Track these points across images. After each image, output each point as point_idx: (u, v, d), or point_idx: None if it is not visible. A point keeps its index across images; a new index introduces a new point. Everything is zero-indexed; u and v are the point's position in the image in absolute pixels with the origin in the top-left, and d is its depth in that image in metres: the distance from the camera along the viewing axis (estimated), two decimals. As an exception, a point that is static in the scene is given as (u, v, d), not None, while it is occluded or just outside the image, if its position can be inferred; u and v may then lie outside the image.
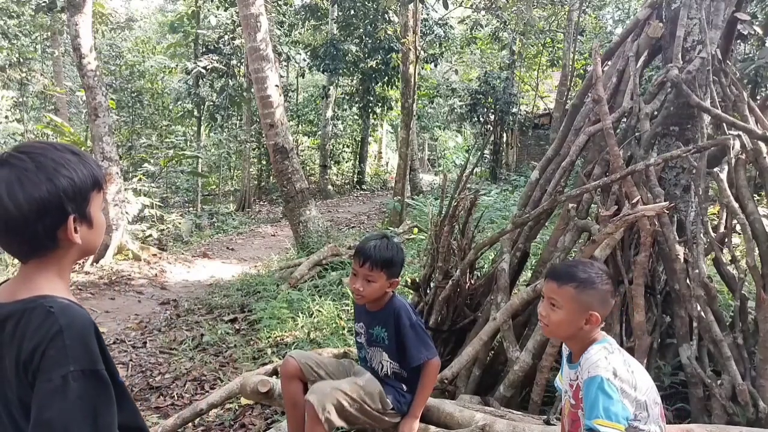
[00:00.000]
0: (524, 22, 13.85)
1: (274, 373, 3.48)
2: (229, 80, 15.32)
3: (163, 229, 11.71)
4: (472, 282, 3.71)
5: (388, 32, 16.04)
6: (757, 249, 2.88)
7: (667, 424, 2.66)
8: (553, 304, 1.80)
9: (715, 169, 3.23)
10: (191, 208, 15.59)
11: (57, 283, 1.19)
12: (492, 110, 17.53)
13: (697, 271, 2.86)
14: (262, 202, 17.89)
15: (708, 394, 2.69)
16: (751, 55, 7.88)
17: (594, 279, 1.76)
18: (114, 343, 5.27)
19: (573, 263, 1.91)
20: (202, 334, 5.29)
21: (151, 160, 12.97)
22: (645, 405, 1.67)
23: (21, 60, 13.73)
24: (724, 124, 3.13)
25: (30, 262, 1.19)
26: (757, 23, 6.55)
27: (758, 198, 6.21)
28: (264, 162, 17.99)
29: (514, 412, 2.69)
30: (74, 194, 1.16)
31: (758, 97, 6.64)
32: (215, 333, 5.25)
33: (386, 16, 16.39)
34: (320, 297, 5.72)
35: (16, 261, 7.49)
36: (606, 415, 1.59)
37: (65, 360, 1.06)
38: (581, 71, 15.94)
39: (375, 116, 20.07)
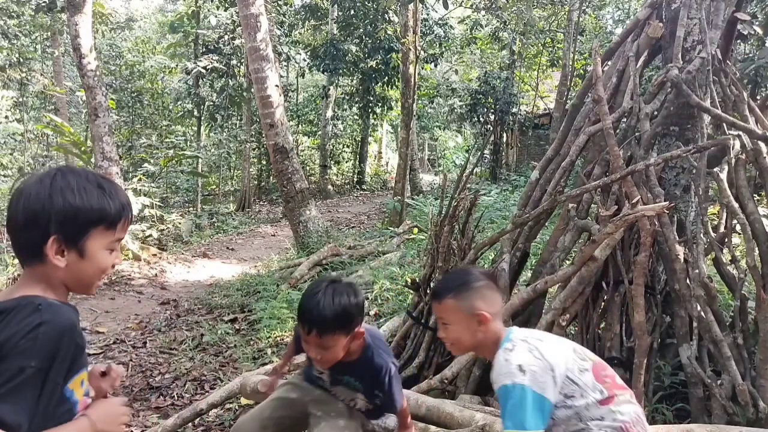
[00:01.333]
0: (524, 22, 13.85)
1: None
2: (229, 80, 15.32)
3: (163, 229, 11.70)
4: (472, 282, 3.71)
5: (388, 32, 16.04)
6: (757, 249, 2.88)
7: (667, 424, 2.67)
8: (444, 322, 1.78)
9: (715, 169, 3.23)
10: (191, 208, 15.58)
11: (47, 293, 1.23)
12: (492, 110, 17.52)
13: (697, 271, 2.86)
14: (262, 202, 17.89)
15: (708, 394, 2.69)
16: (751, 55, 7.88)
17: (467, 280, 1.76)
18: (114, 343, 5.27)
19: (446, 276, 1.92)
20: (202, 334, 5.29)
21: (151, 160, 12.97)
22: (570, 379, 1.61)
23: (21, 60, 13.75)
24: (724, 124, 3.13)
25: (25, 269, 1.25)
26: (757, 23, 6.55)
27: (758, 198, 6.21)
28: (264, 162, 17.98)
29: (514, 412, 2.68)
30: (65, 218, 1.19)
31: (758, 97, 6.64)
32: (215, 333, 5.25)
33: (386, 16, 16.39)
34: (320, 297, 5.71)
35: (16, 261, 7.50)
36: (519, 425, 1.53)
37: (31, 353, 1.10)
38: (581, 71, 15.93)
39: (375, 116, 20.07)
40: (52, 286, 1.24)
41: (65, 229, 1.19)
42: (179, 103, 16.48)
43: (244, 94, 15.64)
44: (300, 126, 21.08)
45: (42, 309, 1.15)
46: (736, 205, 3.03)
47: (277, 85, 8.10)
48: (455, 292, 1.74)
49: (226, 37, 14.96)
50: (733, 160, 3.18)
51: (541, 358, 1.59)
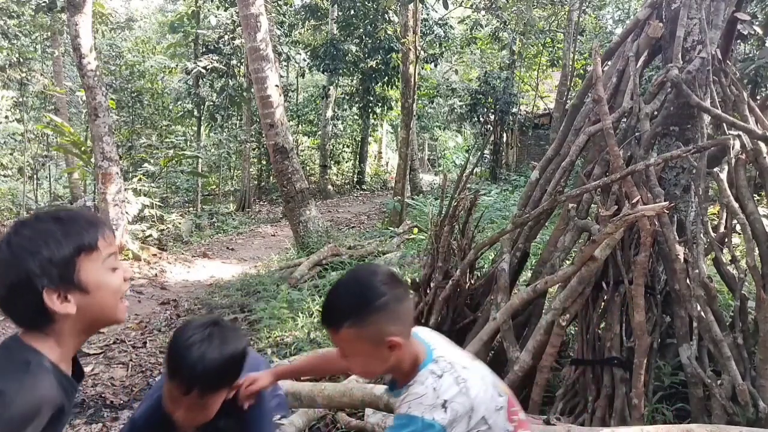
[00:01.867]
0: (524, 22, 13.85)
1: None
2: (229, 80, 15.32)
3: (163, 229, 11.71)
4: (472, 282, 3.71)
5: (388, 32, 16.04)
6: (757, 249, 2.89)
7: (667, 424, 2.67)
8: (345, 354, 1.42)
9: (715, 169, 3.23)
10: (191, 208, 15.58)
11: (52, 351, 1.16)
12: (492, 110, 17.51)
13: (697, 271, 2.86)
14: (262, 202, 17.89)
15: (708, 394, 2.69)
16: (751, 55, 7.88)
17: (366, 299, 1.34)
18: (114, 343, 5.27)
19: (338, 292, 1.42)
20: (202, 334, 5.29)
21: (151, 160, 12.97)
22: (484, 419, 1.40)
23: (21, 60, 13.72)
24: (724, 124, 3.13)
25: (30, 332, 1.17)
26: (757, 23, 6.54)
27: (758, 198, 6.21)
28: (264, 162, 17.98)
29: (514, 412, 2.68)
30: (42, 268, 1.11)
31: (758, 97, 6.64)
32: (215, 333, 5.24)
33: (386, 16, 16.39)
34: (320, 297, 5.72)
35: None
36: None
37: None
38: (581, 71, 15.93)
39: (375, 116, 20.06)
40: (61, 343, 1.16)
41: (50, 276, 1.12)
42: (179, 103, 16.47)
43: (244, 94, 15.64)
44: (300, 126, 21.08)
45: (30, 371, 1.09)
46: (736, 205, 3.03)
47: (277, 85, 8.10)
48: (354, 319, 1.34)
49: (226, 37, 14.96)
50: (733, 160, 3.18)
51: (466, 395, 1.34)
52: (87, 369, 4.63)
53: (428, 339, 1.49)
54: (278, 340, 4.85)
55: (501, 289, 3.28)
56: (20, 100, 15.24)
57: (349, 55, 17.09)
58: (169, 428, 1.65)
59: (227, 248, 10.56)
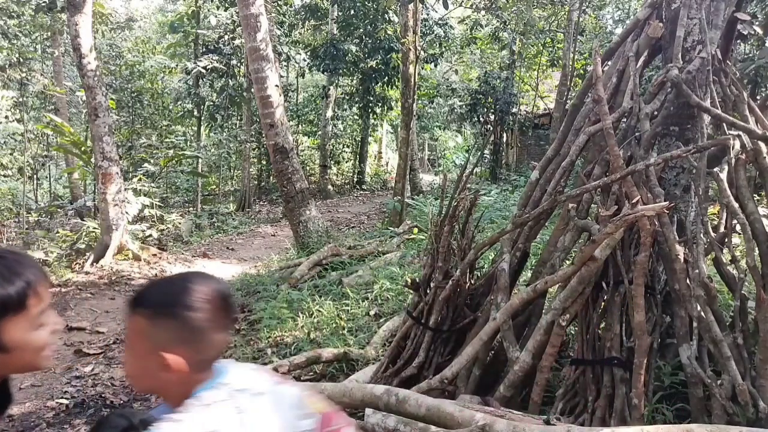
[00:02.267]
0: (524, 22, 13.86)
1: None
2: (229, 80, 15.33)
3: (163, 229, 11.72)
4: (472, 282, 3.71)
5: (388, 32, 16.05)
6: (757, 249, 2.89)
7: (667, 424, 2.67)
8: (127, 344, 1.25)
9: (715, 169, 3.22)
10: (191, 208, 15.59)
11: None
12: (492, 110, 17.51)
13: (697, 271, 2.86)
14: (262, 202, 17.89)
15: (708, 394, 2.68)
16: (751, 55, 7.88)
17: (178, 301, 1.17)
18: (114, 342, 5.27)
19: (163, 279, 1.31)
20: (202, 334, 5.29)
21: (151, 160, 12.98)
22: None
23: (21, 60, 13.72)
24: (724, 124, 3.13)
25: None
26: (757, 23, 6.54)
27: (758, 198, 6.21)
28: (264, 162, 17.99)
29: (514, 412, 2.69)
30: None
31: (758, 97, 6.64)
32: (215, 333, 5.24)
33: (386, 16, 16.40)
34: (320, 297, 5.72)
35: None
36: None
37: None
38: (581, 71, 15.93)
39: (375, 116, 20.06)
40: None
41: None
42: (179, 103, 16.48)
43: (244, 94, 15.65)
44: (300, 126, 21.08)
45: None
46: (736, 205, 3.03)
47: (277, 85, 8.10)
48: (148, 310, 1.18)
49: (226, 37, 14.97)
50: (733, 160, 3.18)
51: (243, 425, 1.16)
52: (87, 369, 4.63)
53: (225, 368, 1.27)
54: (278, 340, 4.85)
55: (501, 289, 3.28)
56: (20, 100, 15.23)
57: (349, 55, 17.09)
58: None
59: (227, 248, 10.56)
